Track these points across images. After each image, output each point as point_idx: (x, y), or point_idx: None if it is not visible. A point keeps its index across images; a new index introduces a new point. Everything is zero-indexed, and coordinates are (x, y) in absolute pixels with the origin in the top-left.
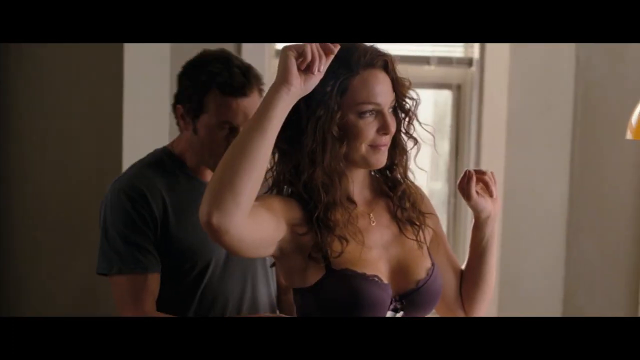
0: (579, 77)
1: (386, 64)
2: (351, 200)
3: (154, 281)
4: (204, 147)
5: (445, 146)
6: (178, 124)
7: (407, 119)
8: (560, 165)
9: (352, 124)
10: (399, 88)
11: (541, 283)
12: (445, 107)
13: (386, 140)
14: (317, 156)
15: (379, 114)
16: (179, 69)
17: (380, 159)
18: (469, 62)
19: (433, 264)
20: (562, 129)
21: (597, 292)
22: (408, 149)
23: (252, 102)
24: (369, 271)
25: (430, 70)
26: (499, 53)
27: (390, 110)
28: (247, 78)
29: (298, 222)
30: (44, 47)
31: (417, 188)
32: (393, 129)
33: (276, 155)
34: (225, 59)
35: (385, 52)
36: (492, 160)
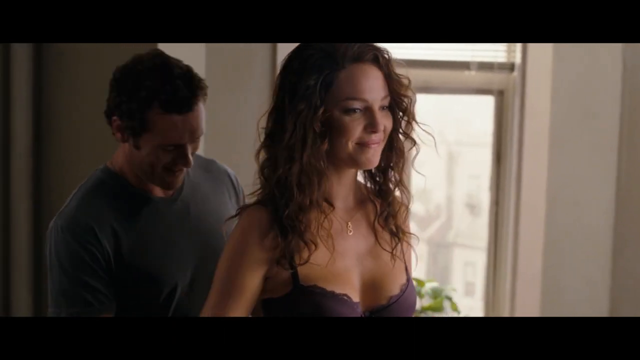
0: (626, 83)
1: (377, 58)
2: (329, 203)
3: None
4: (147, 166)
5: (487, 153)
6: (114, 134)
7: (405, 119)
8: (606, 174)
9: (337, 121)
10: (394, 85)
11: (587, 294)
12: (486, 113)
13: (376, 138)
14: (296, 152)
15: (367, 110)
16: (214, 69)
17: (371, 159)
18: (510, 67)
19: (408, 280)
20: (607, 136)
21: None
22: (406, 150)
23: (197, 115)
24: (338, 289)
25: (471, 76)
26: (542, 57)
27: (386, 108)
28: (190, 89)
29: (271, 237)
30: (82, 47)
31: (407, 202)
32: (382, 127)
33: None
34: (163, 67)
35: (379, 46)
36: (535, 168)
